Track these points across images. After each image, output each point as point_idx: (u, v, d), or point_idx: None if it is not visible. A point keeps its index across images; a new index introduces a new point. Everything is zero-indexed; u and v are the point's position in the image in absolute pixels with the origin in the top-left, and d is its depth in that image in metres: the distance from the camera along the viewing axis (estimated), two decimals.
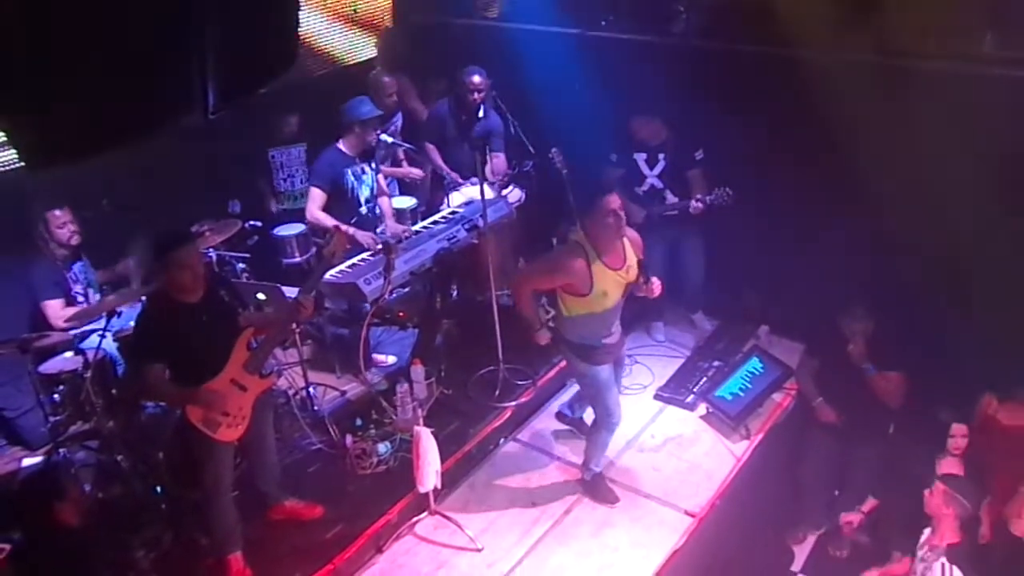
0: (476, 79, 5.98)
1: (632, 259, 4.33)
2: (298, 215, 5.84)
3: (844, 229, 5.35)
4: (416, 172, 6.02)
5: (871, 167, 5.02)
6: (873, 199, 5.10)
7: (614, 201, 4.15)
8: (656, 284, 4.34)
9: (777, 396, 5.57)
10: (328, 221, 5.38)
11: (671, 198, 5.76)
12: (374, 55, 6.83)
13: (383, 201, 5.72)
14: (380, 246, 5.27)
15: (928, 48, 4.95)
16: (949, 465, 4.76)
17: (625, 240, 4.33)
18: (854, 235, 5.34)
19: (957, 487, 4.18)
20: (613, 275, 4.26)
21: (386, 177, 5.91)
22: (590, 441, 4.87)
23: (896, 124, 4.89)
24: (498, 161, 6.19)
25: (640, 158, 5.76)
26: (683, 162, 5.72)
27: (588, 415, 5.02)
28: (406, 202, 6.13)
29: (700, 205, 5.57)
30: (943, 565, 4.12)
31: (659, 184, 5.77)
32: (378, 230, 5.61)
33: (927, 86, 4.94)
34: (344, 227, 5.29)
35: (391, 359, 5.79)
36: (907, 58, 5.11)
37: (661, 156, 5.72)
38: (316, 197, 5.42)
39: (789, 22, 5.24)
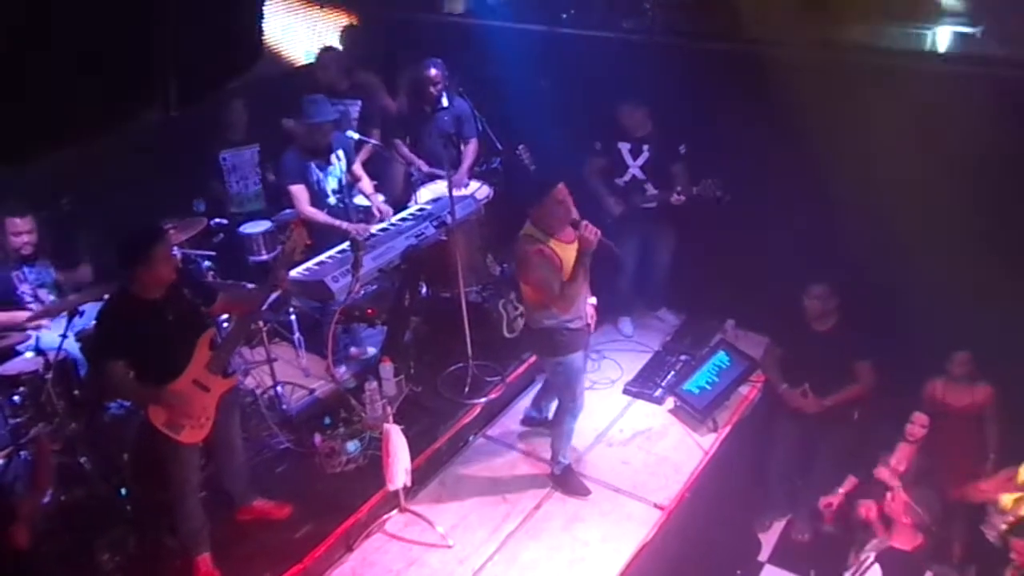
0: (433, 72, 5.96)
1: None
2: (253, 218, 5.82)
3: (807, 223, 5.43)
4: (386, 209, 5.68)
5: (833, 162, 5.09)
6: (835, 193, 5.17)
7: (561, 192, 4.31)
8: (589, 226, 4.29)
9: (744, 389, 5.62)
10: (322, 217, 5.41)
11: (651, 190, 5.73)
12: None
13: (363, 185, 5.71)
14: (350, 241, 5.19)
15: (887, 45, 5.03)
16: (903, 453, 4.83)
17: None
18: (817, 228, 5.41)
19: (919, 498, 4.20)
20: (569, 247, 4.40)
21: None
22: (556, 431, 4.89)
23: (857, 120, 4.96)
24: (471, 148, 6.18)
25: (624, 147, 5.73)
26: (667, 155, 5.70)
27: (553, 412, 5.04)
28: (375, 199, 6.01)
29: (682, 197, 5.54)
30: (868, 557, 4.18)
31: (641, 175, 5.74)
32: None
33: (886, 82, 5.03)
34: (342, 223, 5.38)
35: (372, 350, 5.72)
36: (867, 54, 5.22)
37: (645, 147, 5.70)
38: (299, 194, 5.43)
39: (753, 19, 5.29)
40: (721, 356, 5.68)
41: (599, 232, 4.26)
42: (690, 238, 5.99)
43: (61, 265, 5.09)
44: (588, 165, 5.80)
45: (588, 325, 4.61)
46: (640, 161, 5.72)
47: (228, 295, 4.37)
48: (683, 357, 5.83)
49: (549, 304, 4.41)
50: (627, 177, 5.78)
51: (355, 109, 6.38)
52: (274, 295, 4.39)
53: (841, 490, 4.96)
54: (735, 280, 5.85)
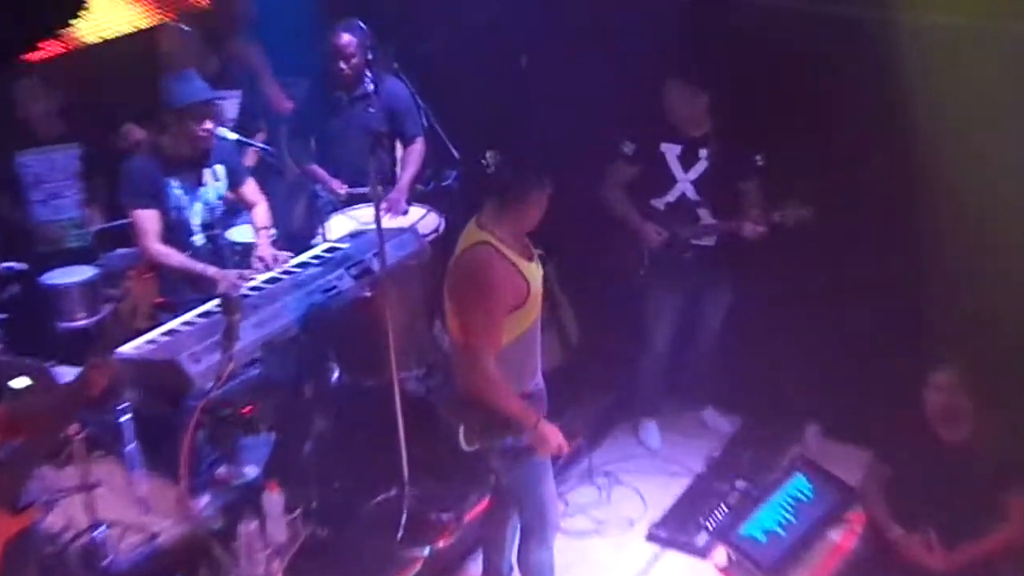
0: (344, 39, 6.08)
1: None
2: (72, 257, 5.89)
3: (930, 275, 5.42)
4: (271, 257, 5.67)
5: (972, 177, 5.13)
6: (974, 229, 5.22)
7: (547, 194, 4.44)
8: None
9: (835, 534, 5.50)
10: (176, 259, 5.42)
11: (707, 218, 5.71)
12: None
13: (256, 215, 5.77)
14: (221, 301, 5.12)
15: None
16: None
17: None
18: (945, 282, 5.38)
19: None
20: (532, 266, 4.47)
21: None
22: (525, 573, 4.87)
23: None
24: (413, 154, 6.29)
25: (671, 151, 5.66)
26: (735, 167, 5.66)
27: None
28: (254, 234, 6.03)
29: (761, 229, 5.51)
30: None
31: (693, 194, 5.70)
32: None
33: None
34: (207, 268, 5.41)
35: (251, 471, 5.61)
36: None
37: (703, 153, 5.64)
38: (146, 224, 5.39)
39: None
40: (799, 482, 5.61)
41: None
42: (749, 304, 6.00)
43: None
44: (610, 176, 5.79)
45: (541, 389, 4.63)
46: (694, 174, 5.67)
47: (7, 407, 4.22)
48: (740, 484, 5.75)
49: (468, 363, 4.37)
50: (672, 196, 5.73)
51: (233, 101, 6.51)
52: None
53: None
54: (818, 364, 5.88)
